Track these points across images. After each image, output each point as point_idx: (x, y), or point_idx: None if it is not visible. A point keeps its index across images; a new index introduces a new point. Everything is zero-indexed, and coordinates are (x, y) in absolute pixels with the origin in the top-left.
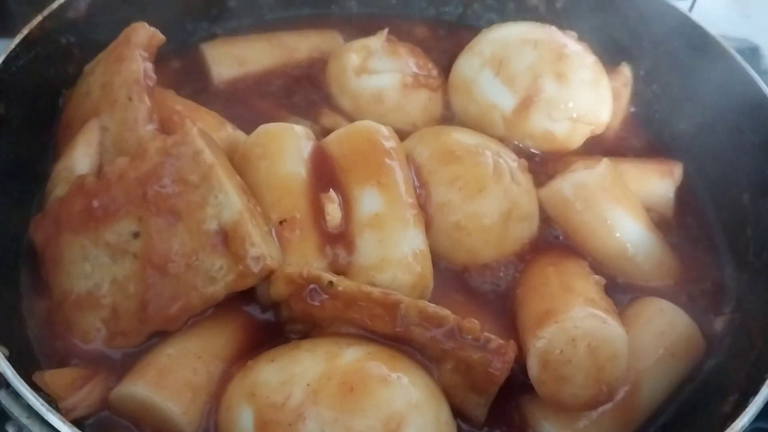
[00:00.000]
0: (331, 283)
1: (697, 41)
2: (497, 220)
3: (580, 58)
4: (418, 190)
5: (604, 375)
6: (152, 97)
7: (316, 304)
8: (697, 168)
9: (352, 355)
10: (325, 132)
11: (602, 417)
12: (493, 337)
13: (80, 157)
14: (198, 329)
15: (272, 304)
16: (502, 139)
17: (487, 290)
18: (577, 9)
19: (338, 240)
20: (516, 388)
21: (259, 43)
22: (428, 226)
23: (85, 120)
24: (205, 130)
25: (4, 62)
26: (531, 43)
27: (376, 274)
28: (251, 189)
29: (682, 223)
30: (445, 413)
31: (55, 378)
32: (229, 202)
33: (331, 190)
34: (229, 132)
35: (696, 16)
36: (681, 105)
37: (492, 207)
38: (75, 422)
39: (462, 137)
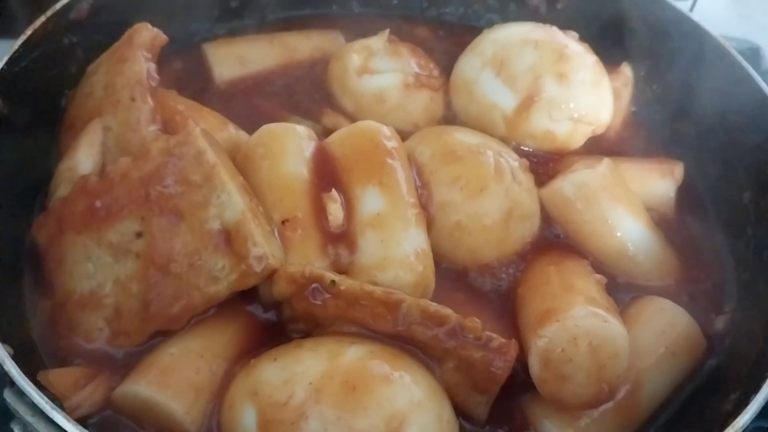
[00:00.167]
0: (333, 282)
1: (698, 41)
2: (498, 219)
3: (581, 59)
4: (419, 190)
5: (605, 374)
6: (155, 97)
7: (318, 303)
8: (698, 167)
9: (354, 354)
10: (326, 132)
11: (603, 416)
12: (494, 336)
13: (83, 158)
14: (200, 328)
15: (274, 304)
16: (503, 139)
17: (488, 289)
18: (578, 9)
19: (340, 239)
20: (517, 387)
21: (261, 44)
22: (430, 226)
23: (88, 120)
24: (208, 131)
25: (7, 63)
26: (532, 43)
27: (378, 274)
28: (253, 189)
29: (682, 222)
30: (447, 412)
31: (58, 377)
32: (232, 201)
33: (333, 189)
34: (231, 132)
35: (697, 16)
36: (682, 105)
37: (493, 206)
38: (78, 421)
39: (463, 137)
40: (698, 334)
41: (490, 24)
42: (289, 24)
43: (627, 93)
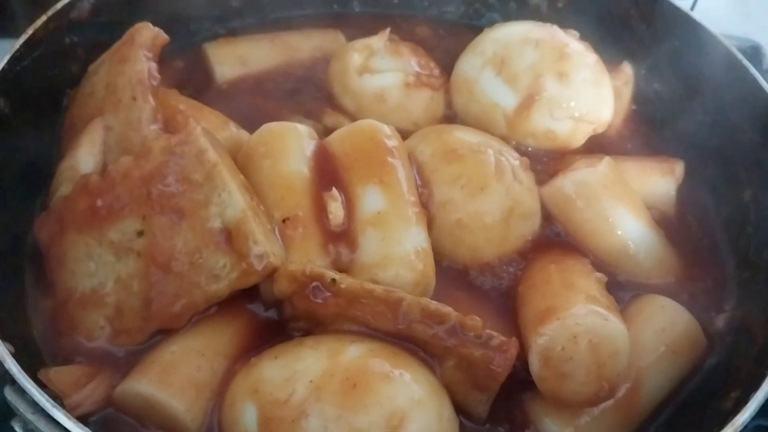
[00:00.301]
0: (333, 280)
1: (699, 40)
2: (499, 218)
3: (582, 57)
4: (420, 189)
5: (605, 372)
6: (156, 96)
7: (319, 301)
8: (699, 166)
9: (354, 352)
10: (327, 131)
11: (604, 414)
12: (494, 334)
13: (84, 157)
14: (201, 327)
15: (275, 302)
16: (503, 138)
17: (488, 288)
18: (579, 8)
19: (341, 238)
20: (518, 385)
21: (262, 43)
22: (430, 225)
23: (89, 120)
24: (209, 130)
25: (8, 62)
26: (532, 42)
27: (378, 272)
28: (254, 187)
29: (683, 221)
30: (447, 410)
31: (59, 375)
32: (233, 200)
33: (333, 188)
34: (232, 131)
35: (697, 15)
36: (682, 103)
37: (494, 205)
38: (80, 419)
39: (464, 136)
40: (698, 332)
41: (491, 23)
42: (289, 23)
43: (628, 92)
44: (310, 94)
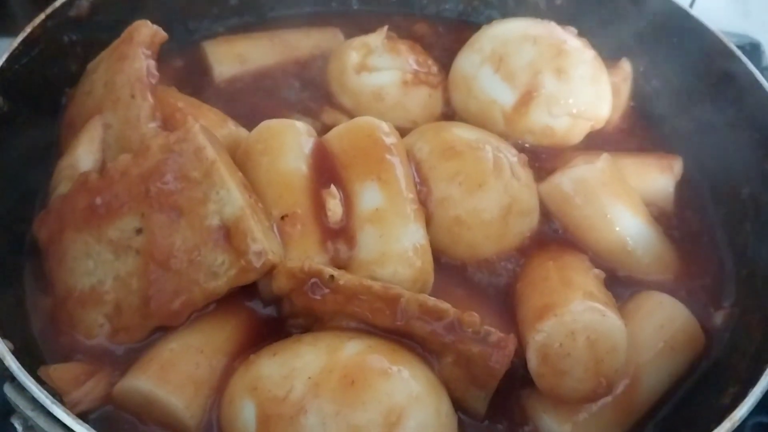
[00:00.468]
0: (332, 277)
1: (698, 37)
2: (497, 215)
3: (580, 54)
4: (418, 186)
5: (602, 368)
6: (155, 94)
7: (318, 298)
8: (697, 163)
9: (353, 349)
10: (326, 129)
11: (602, 410)
12: (493, 330)
13: (83, 155)
14: (200, 324)
15: (274, 299)
16: (502, 135)
17: (487, 285)
18: (577, 5)
19: (339, 235)
20: (516, 382)
21: (261, 41)
22: (429, 222)
23: (88, 118)
24: (207, 127)
25: (6, 60)
26: (530, 39)
27: (376, 269)
28: (253, 185)
29: (681, 217)
30: (445, 406)
31: (59, 372)
32: (231, 198)
33: (332, 185)
34: (230, 129)
35: (696, 12)
36: (681, 100)
37: (492, 202)
38: (79, 416)
39: (462, 133)
40: (697, 329)
41: (489, 20)
42: (288, 21)
43: (626, 88)
44: (309, 92)
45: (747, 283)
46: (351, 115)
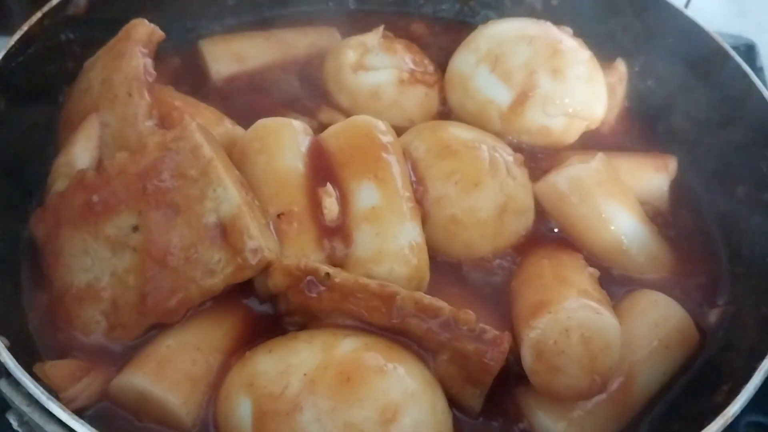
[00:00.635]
0: (328, 275)
1: (693, 37)
2: (493, 213)
3: (575, 54)
4: (414, 185)
5: (596, 365)
6: (152, 93)
7: (314, 295)
8: (692, 162)
9: (348, 346)
10: (322, 128)
11: (597, 407)
12: (488, 328)
13: (80, 152)
14: (197, 321)
15: (270, 296)
16: (498, 135)
17: (482, 283)
18: (573, 5)
19: (335, 233)
20: (511, 379)
21: (258, 40)
22: (425, 220)
23: (85, 116)
24: (204, 125)
25: (3, 59)
26: (526, 39)
27: (373, 267)
28: (249, 183)
29: (676, 216)
30: (440, 403)
31: (55, 369)
32: (228, 195)
33: (328, 184)
34: (227, 127)
35: (692, 12)
36: (676, 100)
37: (488, 201)
38: (75, 413)
39: (458, 132)
40: (691, 327)
41: (486, 20)
42: (285, 21)
43: (621, 88)
44: (306, 91)
45: (741, 281)
46: (348, 114)
